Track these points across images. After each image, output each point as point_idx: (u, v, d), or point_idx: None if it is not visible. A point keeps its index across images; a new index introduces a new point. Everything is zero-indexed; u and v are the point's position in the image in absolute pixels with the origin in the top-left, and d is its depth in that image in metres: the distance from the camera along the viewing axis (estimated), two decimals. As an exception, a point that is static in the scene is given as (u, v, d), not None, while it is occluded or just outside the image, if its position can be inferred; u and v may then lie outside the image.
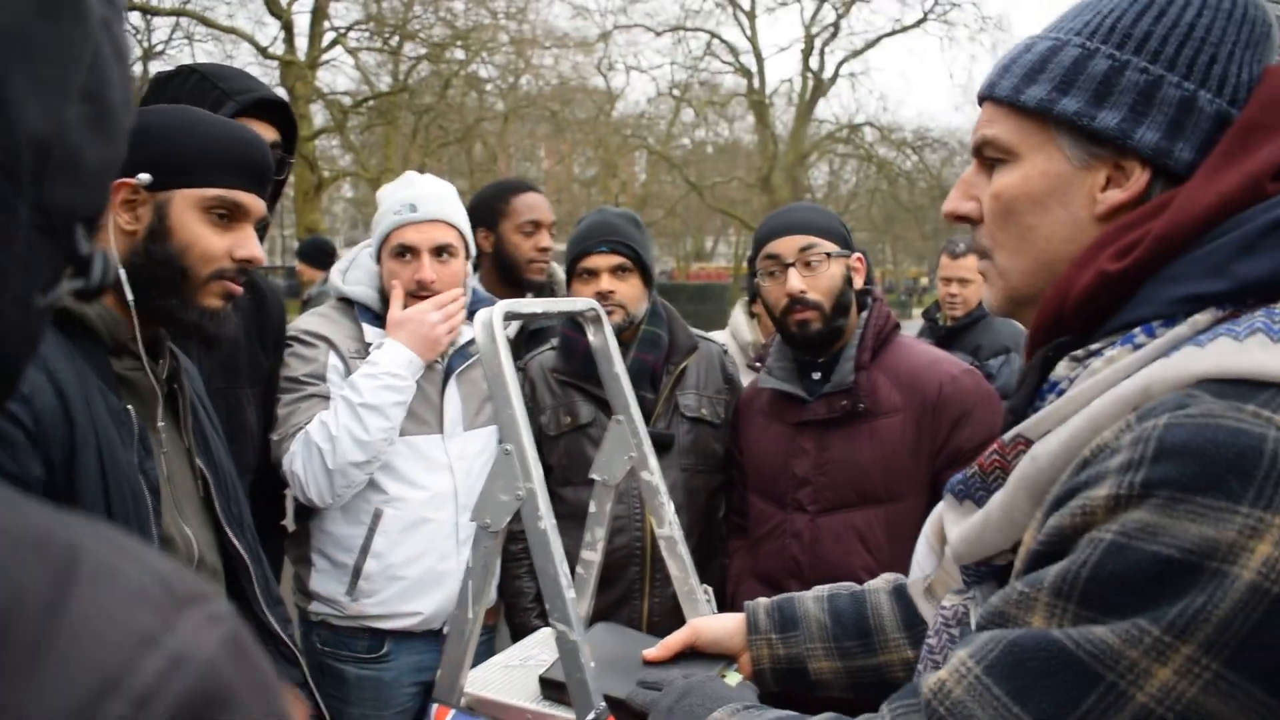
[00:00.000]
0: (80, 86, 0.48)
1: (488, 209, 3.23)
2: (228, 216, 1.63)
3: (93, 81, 0.49)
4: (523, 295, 3.19)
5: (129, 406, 1.55)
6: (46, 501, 1.21)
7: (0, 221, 0.44)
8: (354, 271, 2.61)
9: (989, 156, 1.07)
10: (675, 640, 1.54)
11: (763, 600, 1.58)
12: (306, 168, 21.79)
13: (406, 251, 2.46)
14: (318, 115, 24.17)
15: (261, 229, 2.05)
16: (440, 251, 2.48)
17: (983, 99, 1.08)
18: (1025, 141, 1.02)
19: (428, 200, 2.49)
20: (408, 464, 2.44)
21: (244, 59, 22.76)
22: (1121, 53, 0.97)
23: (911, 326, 5.39)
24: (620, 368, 1.72)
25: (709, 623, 1.58)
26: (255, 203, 1.67)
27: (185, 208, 1.59)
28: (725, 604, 2.65)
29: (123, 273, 1.56)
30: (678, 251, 50.00)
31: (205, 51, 22.07)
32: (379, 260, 2.55)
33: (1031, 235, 1.03)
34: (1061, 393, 0.97)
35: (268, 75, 23.52)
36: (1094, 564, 0.82)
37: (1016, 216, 1.04)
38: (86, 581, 0.37)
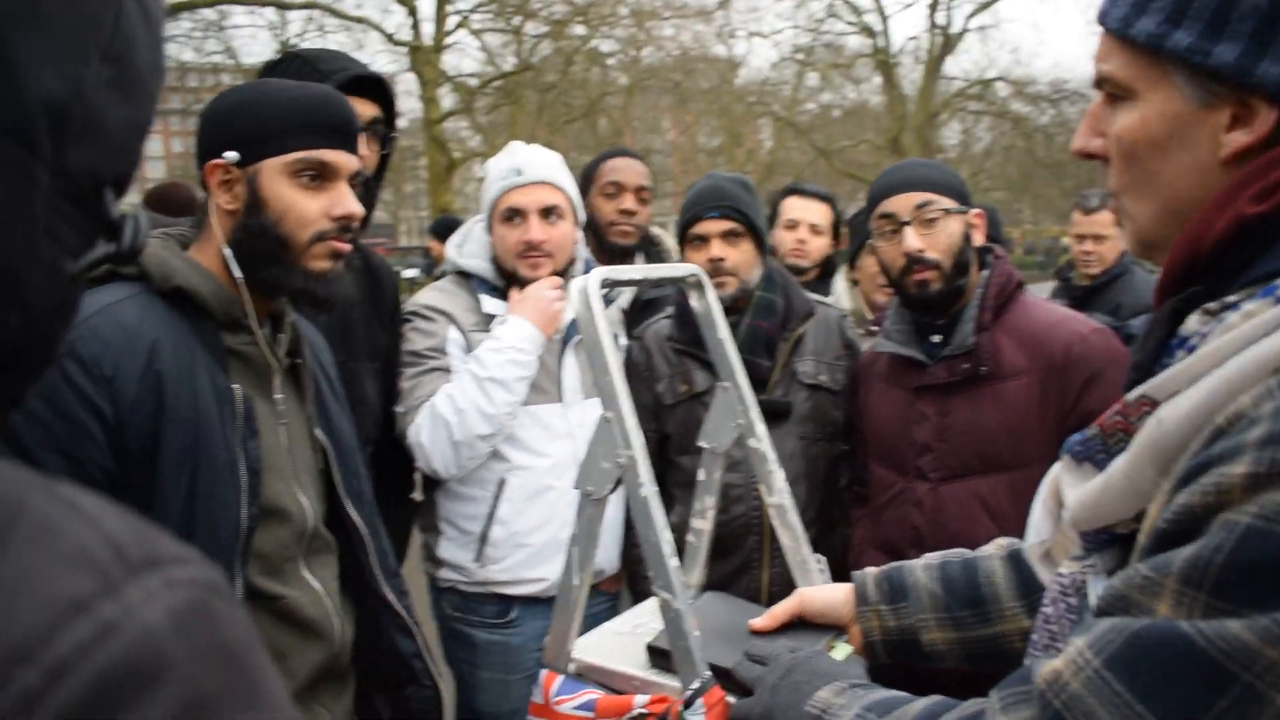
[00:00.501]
0: (102, 48, 0.47)
1: (583, 178, 3.28)
2: (318, 176, 1.65)
3: (116, 43, 0.49)
4: (619, 263, 3.20)
5: (234, 385, 1.59)
6: (119, 482, 1.26)
7: (21, 189, 0.43)
8: (468, 245, 2.67)
9: (1109, 92, 0.99)
10: (782, 610, 1.51)
11: (871, 570, 1.54)
12: (437, 150, 22.27)
13: (515, 215, 2.50)
14: (445, 98, 24.59)
15: (366, 191, 2.08)
16: (548, 213, 2.51)
17: (1100, 26, 1.00)
18: (1140, 78, 0.94)
19: (533, 165, 2.53)
20: (529, 433, 2.49)
21: (373, 47, 23.37)
22: None
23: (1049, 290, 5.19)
24: (725, 333, 1.69)
25: (817, 593, 1.55)
26: (343, 159, 1.68)
27: (274, 176, 1.62)
28: (846, 573, 2.61)
29: (227, 251, 1.61)
30: (806, 218, 49.21)
31: (337, 41, 22.68)
32: (490, 230, 2.58)
33: (1155, 180, 0.95)
34: (1192, 349, 0.89)
35: (396, 61, 24.05)
36: (1229, 550, 0.74)
37: (1138, 161, 0.96)
38: (21, 541, 0.34)
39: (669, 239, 3.46)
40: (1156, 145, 0.94)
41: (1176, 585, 0.77)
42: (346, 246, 1.69)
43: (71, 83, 0.46)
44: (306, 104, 1.65)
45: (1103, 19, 0.97)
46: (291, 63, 2.23)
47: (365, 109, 2.27)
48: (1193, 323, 0.91)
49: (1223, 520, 0.75)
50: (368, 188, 2.29)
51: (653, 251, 3.39)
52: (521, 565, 2.50)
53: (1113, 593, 0.84)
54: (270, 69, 2.29)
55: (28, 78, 0.43)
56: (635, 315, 3.09)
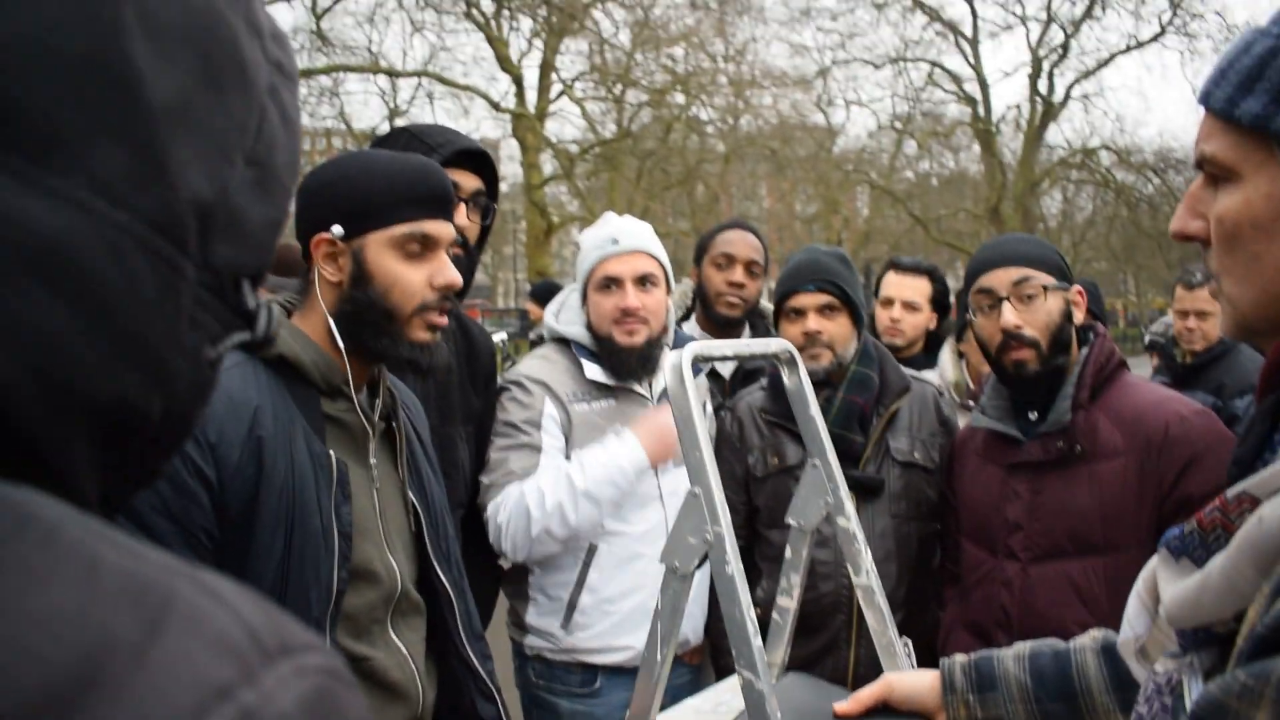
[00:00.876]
0: (245, 151, 0.52)
1: (699, 248, 3.33)
2: (420, 248, 1.69)
3: (259, 147, 0.53)
4: (725, 333, 3.22)
5: (330, 451, 1.64)
6: (219, 545, 1.30)
7: (169, 281, 0.47)
8: (565, 313, 2.72)
9: (1210, 172, 0.96)
10: (867, 695, 1.49)
11: (959, 657, 1.51)
12: (537, 214, 22.73)
13: (611, 283, 2.55)
14: (547, 164, 25.14)
15: (468, 260, 2.13)
16: (643, 281, 2.55)
17: (1202, 105, 0.97)
18: (1245, 160, 0.91)
19: (628, 234, 2.58)
20: (621, 502, 2.49)
21: (478, 114, 24.09)
22: None
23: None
24: (815, 410, 1.69)
25: (904, 678, 1.52)
26: (443, 229, 1.72)
27: (380, 249, 1.67)
28: (936, 655, 2.55)
29: (332, 323, 1.67)
30: (903, 286, 48.71)
31: (444, 109, 23.46)
32: (585, 299, 2.63)
33: (1258, 264, 0.91)
34: None
35: (500, 127, 24.75)
36: None
37: (1240, 243, 0.92)
38: (174, 629, 0.37)
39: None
40: (1260, 227, 0.90)
41: (1276, 694, 0.73)
42: (444, 320, 1.73)
43: (218, 184, 0.50)
44: (408, 177, 1.69)
45: (1205, 100, 0.95)
46: (400, 137, 2.31)
47: (468, 181, 2.35)
48: None
49: None
50: (469, 257, 2.35)
51: (759, 324, 3.40)
52: (609, 633, 2.50)
53: (1209, 700, 0.81)
54: (380, 143, 2.38)
55: (179, 179, 0.47)
56: (738, 385, 3.10)
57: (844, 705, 1.48)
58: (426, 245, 1.70)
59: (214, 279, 0.51)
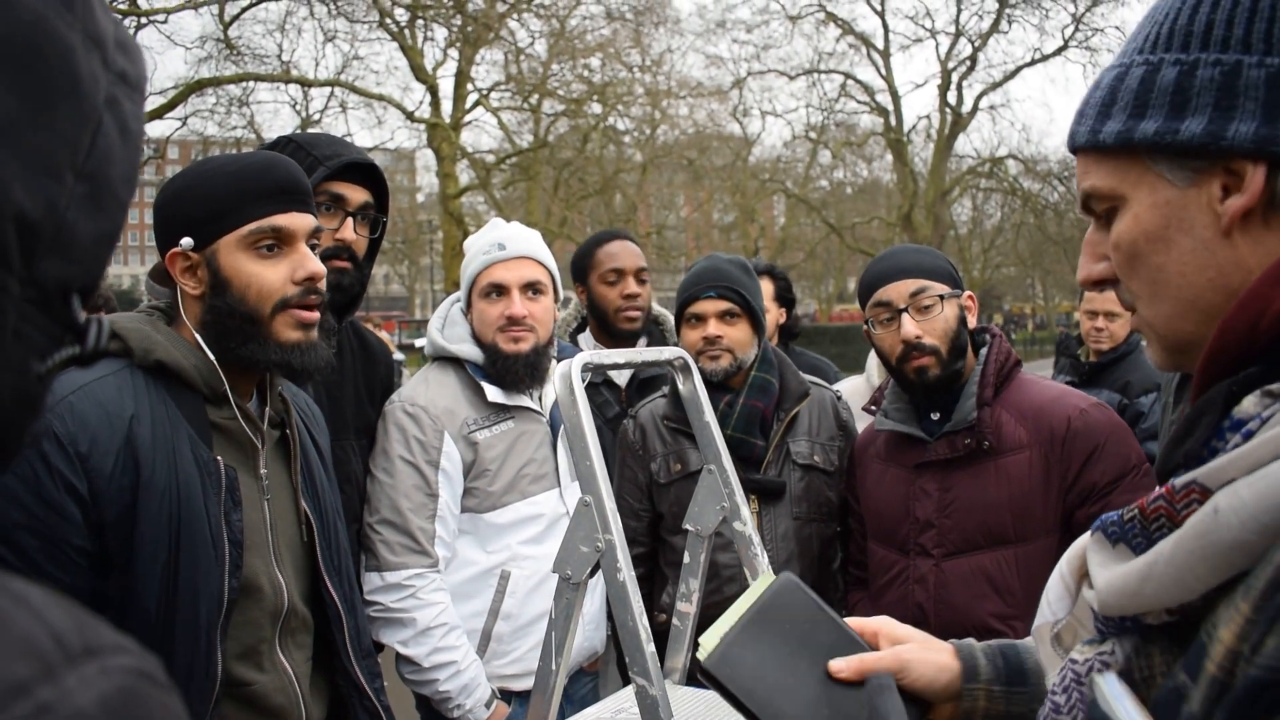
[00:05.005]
0: (76, 166, 0.50)
1: (579, 264, 3.28)
2: (275, 244, 1.63)
3: (90, 161, 0.51)
4: (629, 345, 3.20)
5: (218, 457, 1.58)
6: (97, 557, 1.27)
7: None
8: (451, 328, 2.60)
9: (1099, 211, 0.97)
10: (872, 664, 1.26)
11: (976, 643, 1.33)
12: (453, 224, 22.55)
13: (495, 290, 2.48)
14: (463, 174, 25.02)
15: (358, 272, 2.09)
16: (530, 288, 2.49)
17: (1074, 151, 0.99)
18: (1123, 181, 0.92)
19: (515, 239, 2.52)
20: (531, 525, 2.45)
21: (393, 124, 23.86)
22: (1187, 54, 0.88)
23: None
24: (710, 416, 1.70)
25: (920, 660, 1.28)
26: (297, 220, 1.65)
27: (231, 252, 1.61)
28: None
29: (199, 336, 1.61)
30: (819, 294, 49.53)
31: (358, 118, 23.27)
32: (469, 307, 2.56)
33: (1163, 275, 0.92)
34: (1250, 434, 0.82)
35: (415, 138, 24.53)
36: None
37: (1141, 260, 0.93)
38: None
39: (671, 319, 3.48)
40: (1155, 238, 0.91)
41: None
42: (313, 314, 1.67)
43: (43, 199, 0.48)
44: (251, 174, 1.63)
45: (1072, 142, 0.97)
46: (285, 147, 2.23)
47: (356, 194, 2.28)
48: (1250, 405, 0.83)
49: None
50: (359, 270, 2.31)
51: (655, 331, 3.39)
52: (528, 657, 2.42)
53: None
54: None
55: (1, 195, 0.46)
56: (634, 394, 3.09)
57: (843, 670, 1.23)
58: (281, 239, 1.64)
59: (40, 294, 0.50)
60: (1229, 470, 0.78)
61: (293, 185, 1.66)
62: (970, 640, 1.34)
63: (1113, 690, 0.88)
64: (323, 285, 1.69)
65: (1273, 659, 0.69)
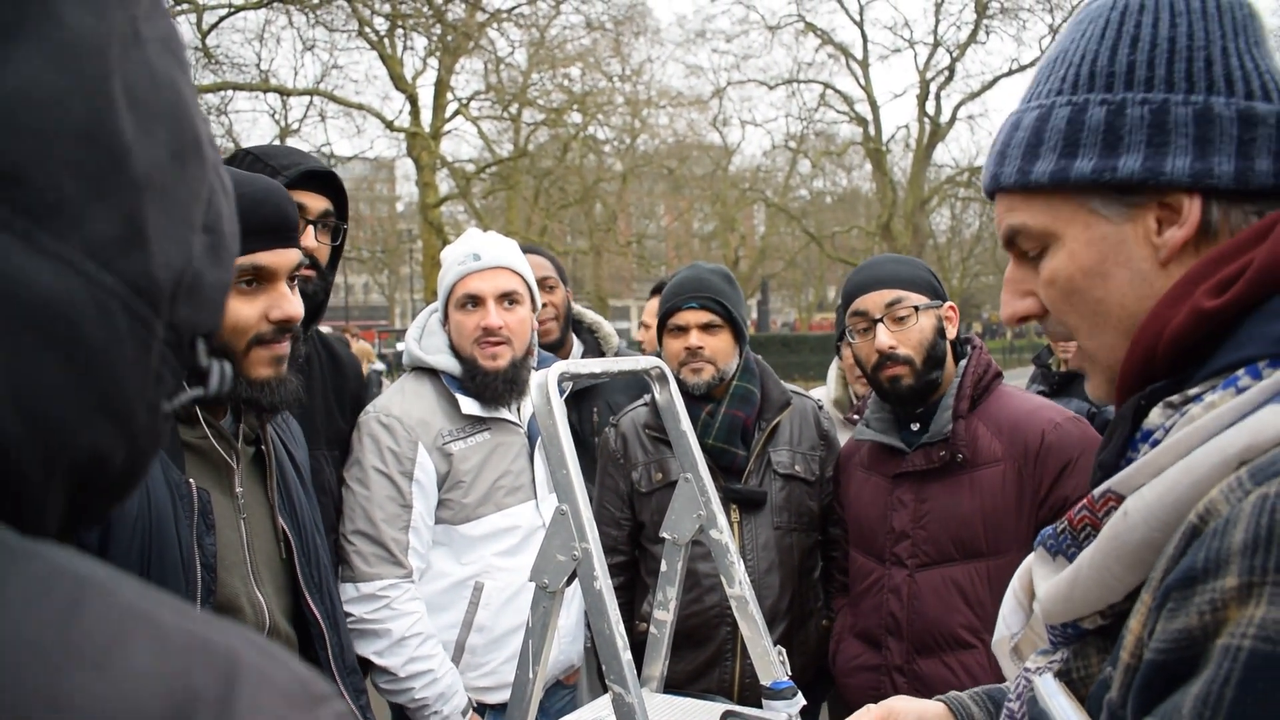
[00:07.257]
0: (202, 221, 0.55)
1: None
2: (254, 280, 1.61)
3: (210, 215, 0.56)
4: (558, 354, 3.22)
5: (190, 480, 1.57)
6: None
7: (143, 340, 0.50)
8: (429, 339, 2.59)
9: (1027, 249, 0.99)
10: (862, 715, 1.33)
11: (959, 694, 1.38)
12: (433, 233, 22.51)
13: (471, 301, 2.47)
14: (443, 183, 24.97)
15: (320, 281, 2.08)
16: (506, 299, 2.48)
17: (991, 193, 1.00)
18: (1055, 219, 0.94)
19: (490, 249, 2.51)
20: (506, 537, 2.45)
21: (372, 132, 23.83)
22: (1113, 93, 0.91)
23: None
24: (687, 425, 1.71)
25: (910, 706, 1.37)
26: (279, 258, 1.64)
27: None
28: (821, 663, 2.59)
29: None
30: (799, 302, 49.69)
31: (337, 127, 23.25)
32: (445, 318, 2.55)
33: (1103, 307, 0.94)
34: (1156, 443, 0.87)
35: (395, 147, 24.53)
36: (1238, 683, 0.67)
37: (1080, 295, 0.95)
38: (247, 684, 0.42)
39: (606, 324, 3.50)
40: (1094, 272, 0.93)
41: None
42: (284, 350, 1.64)
43: (185, 250, 0.53)
44: (239, 210, 1.62)
45: (994, 183, 0.99)
46: (243, 160, 2.23)
47: (316, 202, 2.28)
48: (1155, 416, 0.89)
49: (1223, 647, 0.69)
50: (322, 279, 2.31)
51: (589, 339, 3.40)
52: (503, 669, 2.41)
53: None
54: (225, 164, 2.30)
55: (157, 245, 0.50)
56: (569, 403, 3.09)
57: None
58: (261, 277, 1.62)
59: (176, 337, 0.54)
60: (1137, 477, 0.85)
61: (280, 222, 1.65)
62: (952, 693, 1.38)
63: (1048, 688, 0.94)
64: (298, 325, 1.67)
65: (1162, 641, 0.74)
